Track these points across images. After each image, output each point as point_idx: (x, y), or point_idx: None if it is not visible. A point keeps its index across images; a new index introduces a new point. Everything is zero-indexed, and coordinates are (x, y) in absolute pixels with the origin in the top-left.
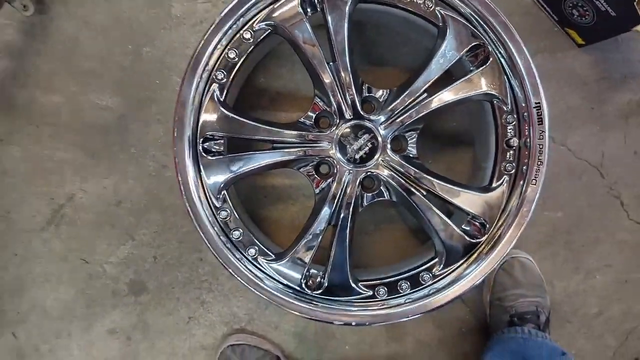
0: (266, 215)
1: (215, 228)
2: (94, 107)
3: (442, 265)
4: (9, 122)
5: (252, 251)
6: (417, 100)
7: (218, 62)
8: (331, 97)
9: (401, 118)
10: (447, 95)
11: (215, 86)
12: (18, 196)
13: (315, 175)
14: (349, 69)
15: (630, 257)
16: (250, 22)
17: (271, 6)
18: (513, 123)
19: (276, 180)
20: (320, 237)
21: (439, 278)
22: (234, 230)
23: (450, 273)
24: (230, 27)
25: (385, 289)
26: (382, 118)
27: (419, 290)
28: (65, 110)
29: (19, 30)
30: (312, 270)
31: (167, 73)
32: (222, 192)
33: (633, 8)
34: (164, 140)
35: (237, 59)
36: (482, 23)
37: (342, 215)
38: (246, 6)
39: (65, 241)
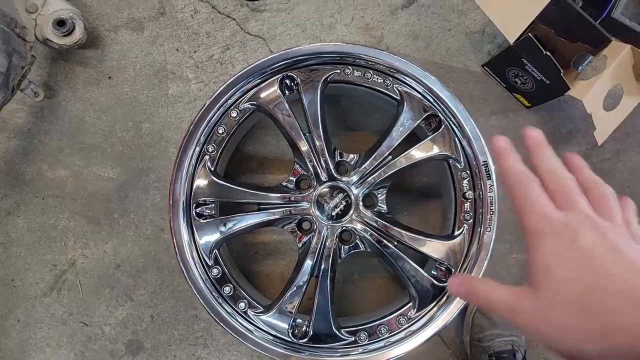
0: (258, 270)
1: (207, 285)
2: (97, 178)
3: (415, 309)
4: (16, 195)
5: (242, 305)
6: (383, 162)
7: (209, 137)
8: (308, 163)
9: (370, 178)
10: (408, 157)
11: (206, 157)
12: (22, 264)
13: (298, 232)
14: (322, 138)
15: None
16: (237, 102)
17: (254, 89)
18: (467, 178)
19: (266, 237)
20: (304, 288)
21: (414, 321)
22: (225, 286)
23: (423, 315)
24: (219, 108)
25: (366, 334)
26: (354, 179)
27: (396, 333)
28: (70, 183)
29: (29, 114)
30: (298, 320)
31: (164, 145)
32: (214, 251)
33: (561, 78)
34: (160, 205)
35: (225, 134)
36: (432, 97)
37: (322, 267)
38: (232, 90)
39: (66, 305)
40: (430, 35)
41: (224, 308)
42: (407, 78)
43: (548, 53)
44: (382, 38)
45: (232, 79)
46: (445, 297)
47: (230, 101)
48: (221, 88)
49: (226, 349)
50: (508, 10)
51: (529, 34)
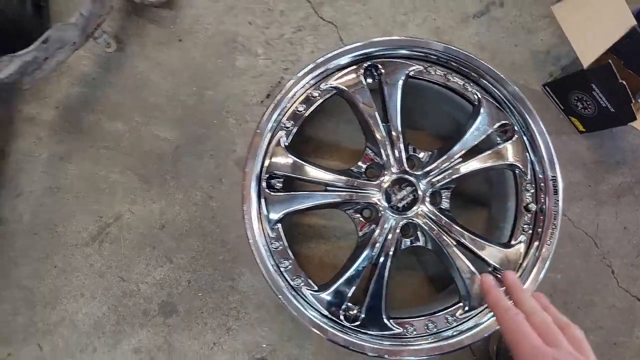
0: (298, 251)
1: (269, 256)
2: (153, 138)
3: (465, 310)
4: (71, 142)
5: (298, 281)
6: (453, 164)
7: (287, 112)
8: (382, 152)
9: (440, 176)
10: (479, 162)
11: (282, 132)
12: (68, 211)
13: (361, 219)
14: (399, 130)
15: (619, 321)
16: (318, 83)
17: (338, 72)
18: (531, 191)
19: (312, 220)
20: (361, 274)
21: (462, 321)
22: (284, 260)
23: (471, 317)
24: (305, 84)
25: (414, 327)
26: (424, 175)
27: (443, 331)
28: (126, 137)
29: (95, 63)
30: (349, 304)
31: (225, 115)
32: (277, 225)
33: (630, 108)
34: (214, 173)
35: (304, 111)
36: (510, 106)
37: (382, 256)
38: (321, 69)
39: (106, 258)
40: (497, 47)
41: (285, 280)
42: (489, 85)
43: (623, 82)
44: (450, 43)
45: (324, 57)
46: None
47: (313, 80)
48: (310, 66)
49: (258, 324)
50: (587, 33)
51: (609, 61)
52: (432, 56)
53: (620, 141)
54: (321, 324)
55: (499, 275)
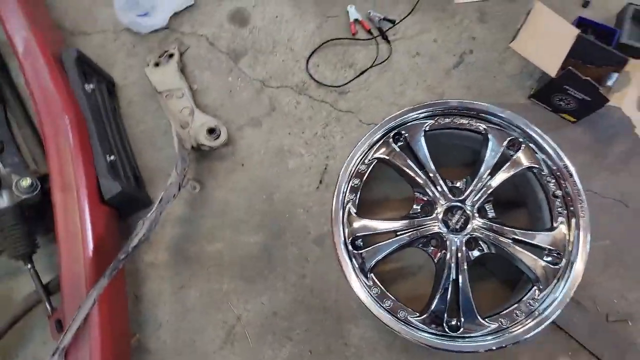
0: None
1: (373, 302)
2: (245, 245)
3: (540, 290)
4: (185, 272)
5: (402, 313)
6: (485, 182)
7: (350, 188)
8: (428, 191)
9: (478, 195)
10: (503, 174)
11: (349, 204)
12: (199, 326)
13: (432, 248)
14: (434, 170)
15: None
16: (363, 159)
17: (375, 146)
18: (552, 181)
19: (388, 266)
20: (448, 292)
21: (542, 300)
22: (386, 301)
23: (548, 295)
24: (353, 165)
25: (506, 318)
26: (466, 197)
27: (530, 313)
28: (225, 252)
29: (186, 204)
30: (448, 318)
31: (292, 208)
32: (371, 274)
33: (600, 94)
34: (299, 255)
35: (360, 184)
36: (511, 125)
37: (459, 272)
38: (362, 149)
39: (239, 354)
40: (480, 83)
41: (393, 316)
42: (488, 116)
43: (588, 78)
44: (443, 93)
45: (360, 141)
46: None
47: (359, 159)
48: (354, 149)
49: None
50: (543, 53)
51: (569, 67)
52: (437, 111)
53: (607, 119)
54: (434, 339)
55: (554, 254)
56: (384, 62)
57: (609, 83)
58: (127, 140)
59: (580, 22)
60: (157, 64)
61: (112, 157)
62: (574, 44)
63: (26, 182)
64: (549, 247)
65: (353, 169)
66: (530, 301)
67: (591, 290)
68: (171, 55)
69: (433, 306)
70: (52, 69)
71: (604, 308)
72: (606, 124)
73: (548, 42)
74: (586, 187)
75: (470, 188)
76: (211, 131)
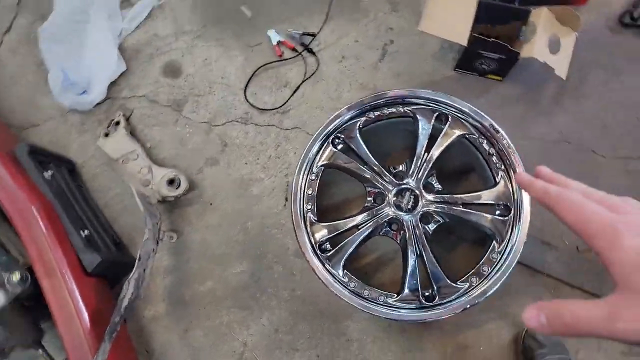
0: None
1: (351, 294)
2: (233, 276)
3: (498, 243)
4: (186, 315)
5: (382, 298)
6: (423, 159)
7: (305, 198)
8: (375, 183)
9: (420, 173)
10: (439, 148)
11: (309, 214)
12: None
13: (393, 232)
14: (375, 163)
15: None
16: (310, 169)
17: (317, 155)
18: (484, 142)
19: (365, 260)
20: (416, 267)
21: (502, 252)
22: (364, 291)
23: (507, 245)
24: (303, 177)
25: (475, 277)
26: (411, 178)
27: (495, 266)
28: (218, 288)
29: (169, 255)
30: (422, 291)
31: (267, 230)
32: (344, 272)
33: (511, 50)
34: (285, 273)
35: (312, 192)
36: (436, 103)
37: (421, 247)
38: (307, 160)
39: None
40: (408, 69)
41: (370, 304)
42: (411, 99)
43: (493, 39)
44: (375, 87)
45: (303, 155)
46: (514, 220)
47: (306, 170)
48: (299, 163)
49: (382, 353)
50: (451, 26)
51: (473, 34)
52: (366, 107)
53: (529, 69)
54: (410, 313)
55: (501, 207)
56: (314, 73)
57: (520, 36)
58: (99, 211)
59: None
60: (107, 134)
61: (87, 232)
62: (477, 10)
63: (16, 276)
64: (496, 202)
65: (303, 181)
66: (493, 255)
67: (557, 229)
68: (118, 123)
69: (406, 284)
70: (9, 169)
71: (572, 242)
72: (530, 74)
73: (453, 15)
74: (529, 135)
75: (412, 168)
76: (171, 182)
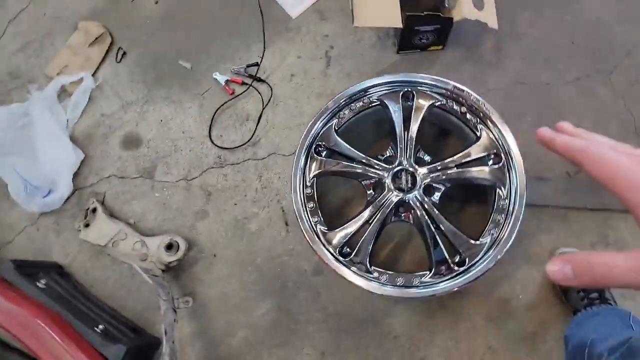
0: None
1: (389, 287)
2: (261, 317)
3: (502, 189)
4: None
5: (416, 280)
6: (406, 137)
7: (309, 213)
8: (370, 175)
9: (407, 151)
10: (415, 124)
11: (318, 226)
12: None
13: (404, 214)
14: (364, 156)
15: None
16: (304, 183)
17: (306, 168)
18: (454, 104)
19: (383, 249)
20: (438, 240)
21: (507, 196)
22: (397, 279)
23: (510, 189)
24: (299, 194)
25: (494, 229)
26: (400, 159)
27: (507, 211)
28: (250, 334)
29: (189, 320)
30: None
31: (279, 259)
32: (372, 267)
33: (443, 17)
34: (310, 295)
35: (314, 205)
36: (395, 84)
37: (434, 218)
38: (298, 177)
39: None
40: (355, 66)
41: (409, 289)
42: (372, 89)
43: (425, 13)
44: (333, 92)
45: (292, 172)
46: (508, 163)
47: (300, 186)
48: (291, 181)
49: (427, 335)
50: (381, 14)
51: (407, 13)
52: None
53: (464, 30)
54: (446, 284)
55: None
56: (271, 98)
57: (446, 4)
58: (103, 304)
59: None
60: (87, 225)
61: (101, 326)
62: None
63: None
64: (485, 153)
65: (302, 198)
66: (501, 202)
67: (544, 163)
68: (94, 210)
69: (433, 258)
70: (2, 291)
71: (560, 170)
72: (466, 35)
73: (380, 4)
74: (487, 88)
75: (398, 150)
76: (169, 247)
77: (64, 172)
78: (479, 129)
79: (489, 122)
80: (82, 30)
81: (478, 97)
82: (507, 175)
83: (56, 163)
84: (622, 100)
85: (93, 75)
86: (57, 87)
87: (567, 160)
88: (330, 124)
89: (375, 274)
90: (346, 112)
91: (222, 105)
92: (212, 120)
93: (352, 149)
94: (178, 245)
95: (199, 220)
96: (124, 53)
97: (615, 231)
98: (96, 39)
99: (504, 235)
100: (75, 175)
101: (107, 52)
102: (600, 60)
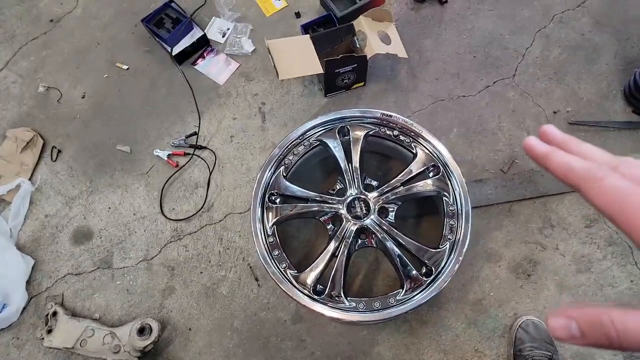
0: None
1: (368, 314)
2: None
3: (447, 196)
4: None
5: (391, 300)
6: (351, 168)
7: (276, 261)
8: (327, 209)
9: (355, 181)
10: (355, 154)
11: (287, 271)
12: None
13: (365, 239)
14: (315, 194)
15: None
16: (266, 233)
17: (264, 219)
18: (386, 129)
19: (355, 283)
20: (403, 256)
21: (454, 202)
22: (374, 304)
23: (453, 194)
24: (263, 247)
25: (450, 234)
26: (350, 190)
27: (455, 215)
28: None
29: None
30: (418, 271)
31: (256, 317)
32: (347, 298)
33: (357, 57)
34: (294, 345)
35: (279, 252)
36: (330, 122)
37: (395, 236)
38: (258, 229)
39: None
40: (289, 115)
41: (388, 309)
42: (309, 132)
43: (340, 56)
44: (273, 143)
45: (252, 225)
46: (447, 172)
47: (262, 239)
48: (253, 235)
49: (415, 353)
50: (303, 65)
51: (325, 59)
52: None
53: (377, 65)
54: (420, 295)
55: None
56: (215, 162)
57: (357, 45)
58: None
59: (305, 27)
60: (50, 331)
61: None
62: (315, 44)
63: None
64: (424, 167)
65: (266, 247)
66: (450, 208)
67: (477, 166)
68: (55, 313)
69: (402, 274)
70: None
71: (494, 168)
72: (382, 68)
73: (299, 56)
74: (412, 111)
75: (346, 181)
76: (141, 331)
77: (16, 283)
78: (413, 147)
79: (421, 139)
80: (11, 137)
81: (406, 119)
82: (449, 182)
83: (6, 275)
84: (529, 97)
85: (30, 179)
86: None
87: (561, 182)
88: (278, 172)
89: (352, 304)
90: (290, 157)
91: (169, 179)
92: (161, 195)
93: (304, 190)
94: (150, 328)
95: (167, 298)
96: (59, 151)
97: (555, 213)
98: (27, 143)
99: (459, 237)
100: (28, 282)
101: (41, 153)
102: (501, 67)
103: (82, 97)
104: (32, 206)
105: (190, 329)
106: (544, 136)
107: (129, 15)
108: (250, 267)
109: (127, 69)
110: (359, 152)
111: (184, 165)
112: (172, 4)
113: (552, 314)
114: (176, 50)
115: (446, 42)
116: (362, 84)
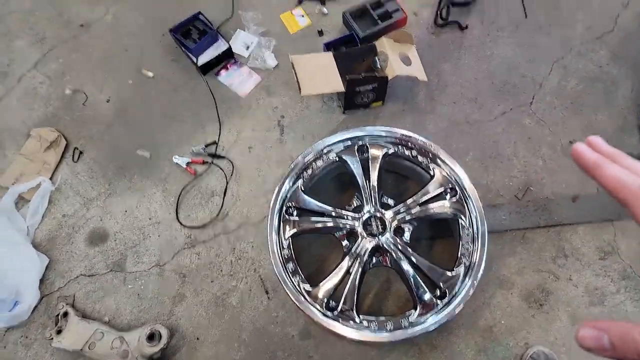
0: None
1: (379, 333)
2: None
3: (463, 219)
4: None
5: (404, 322)
6: (369, 186)
7: (291, 273)
8: (341, 226)
9: (372, 200)
10: (374, 172)
11: (301, 284)
12: None
13: (380, 258)
14: (332, 209)
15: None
16: (281, 245)
17: (280, 231)
18: (404, 149)
19: (367, 301)
20: (417, 277)
21: (470, 224)
22: (387, 325)
23: (470, 217)
24: (278, 254)
25: (465, 257)
26: (367, 207)
27: (472, 239)
28: None
29: None
30: (432, 294)
31: (264, 330)
32: (360, 316)
33: (378, 77)
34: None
35: (294, 265)
36: (350, 139)
37: (410, 256)
38: (274, 240)
39: None
40: (308, 130)
41: (398, 331)
42: (327, 148)
43: (363, 75)
44: (291, 156)
45: (268, 236)
46: (464, 195)
47: (277, 250)
48: (268, 245)
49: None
50: (324, 81)
51: (347, 76)
52: (297, 173)
53: (397, 86)
54: (434, 317)
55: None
56: (233, 172)
57: (378, 65)
58: None
59: (327, 46)
60: (59, 331)
61: None
62: (337, 62)
63: None
64: (442, 189)
65: (281, 260)
66: (466, 232)
67: (492, 191)
68: (65, 314)
69: (416, 296)
70: None
71: (508, 194)
72: (401, 89)
73: (321, 73)
74: (428, 133)
75: (363, 198)
76: (151, 337)
77: (29, 281)
78: (431, 168)
79: (439, 161)
80: (35, 136)
81: (424, 140)
82: (465, 205)
83: (20, 272)
84: (545, 125)
85: (51, 178)
86: (14, 196)
87: (609, 194)
88: (296, 185)
89: (365, 323)
90: (309, 171)
91: (186, 186)
92: (177, 202)
93: (322, 204)
94: (160, 334)
95: (177, 305)
96: (81, 152)
97: (569, 243)
98: (51, 143)
99: (475, 261)
100: (41, 281)
101: (63, 154)
102: (519, 94)
103: (107, 102)
104: (50, 205)
105: (198, 339)
106: (590, 146)
107: (157, 25)
108: (261, 279)
109: (153, 76)
110: (377, 171)
111: (201, 174)
112: (200, 16)
113: (584, 324)
114: (201, 60)
115: (465, 67)
116: (380, 103)
